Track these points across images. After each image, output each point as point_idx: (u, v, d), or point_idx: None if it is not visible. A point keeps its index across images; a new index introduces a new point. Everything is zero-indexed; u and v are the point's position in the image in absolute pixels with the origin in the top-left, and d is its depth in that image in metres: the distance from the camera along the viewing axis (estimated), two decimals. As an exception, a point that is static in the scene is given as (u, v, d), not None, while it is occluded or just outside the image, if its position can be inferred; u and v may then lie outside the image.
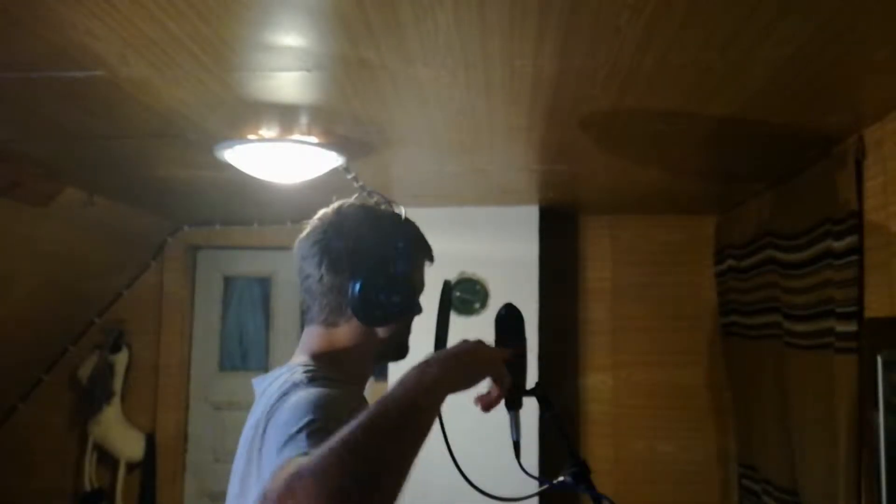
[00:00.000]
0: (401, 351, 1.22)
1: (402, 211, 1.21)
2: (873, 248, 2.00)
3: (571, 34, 1.42)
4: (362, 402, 1.13)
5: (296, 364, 1.12)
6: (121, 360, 3.71)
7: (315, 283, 1.15)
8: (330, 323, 1.16)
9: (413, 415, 0.84)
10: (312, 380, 1.02)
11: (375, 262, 1.12)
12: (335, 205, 1.21)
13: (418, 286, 1.20)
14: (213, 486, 3.72)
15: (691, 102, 1.83)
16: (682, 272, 3.61)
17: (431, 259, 1.25)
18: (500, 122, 2.03)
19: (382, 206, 1.23)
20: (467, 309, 3.31)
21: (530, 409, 1.17)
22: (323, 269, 1.14)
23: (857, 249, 2.04)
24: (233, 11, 1.32)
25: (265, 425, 0.96)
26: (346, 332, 1.15)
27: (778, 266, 2.63)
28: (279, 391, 1.00)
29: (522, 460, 1.14)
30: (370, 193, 2.98)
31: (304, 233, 1.19)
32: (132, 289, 3.82)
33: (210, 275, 3.98)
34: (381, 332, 1.16)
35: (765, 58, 1.52)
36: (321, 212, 1.20)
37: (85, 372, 3.66)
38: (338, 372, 1.12)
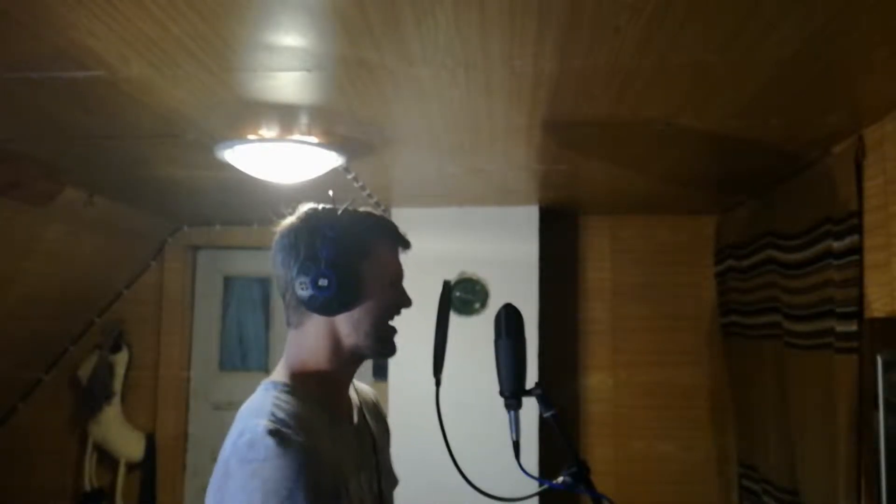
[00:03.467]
0: (383, 347, 1.20)
1: (344, 204, 1.20)
2: (873, 248, 2.00)
3: (571, 34, 1.42)
4: (332, 422, 1.14)
5: (271, 388, 1.12)
6: (121, 360, 3.71)
7: (279, 285, 1.18)
8: (299, 324, 1.17)
9: None
10: (271, 433, 1.01)
11: (308, 251, 1.13)
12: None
13: (375, 273, 1.17)
14: (213, 486, 3.72)
15: (691, 102, 1.83)
16: (682, 272, 3.61)
17: (403, 245, 1.23)
18: (500, 122, 2.03)
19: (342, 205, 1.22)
20: (467, 309, 3.31)
21: (530, 409, 1.17)
22: (277, 270, 1.17)
23: (857, 249, 2.04)
24: (233, 11, 1.32)
25: (220, 493, 1.00)
26: (311, 331, 1.16)
27: (778, 266, 2.63)
28: (233, 448, 1.01)
29: (522, 460, 1.14)
30: (369, 195, 2.98)
31: None
32: (132, 289, 3.82)
33: (210, 275, 3.98)
34: (344, 327, 1.16)
35: (765, 58, 1.52)
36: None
37: (85, 372, 3.66)
38: (313, 388, 1.13)
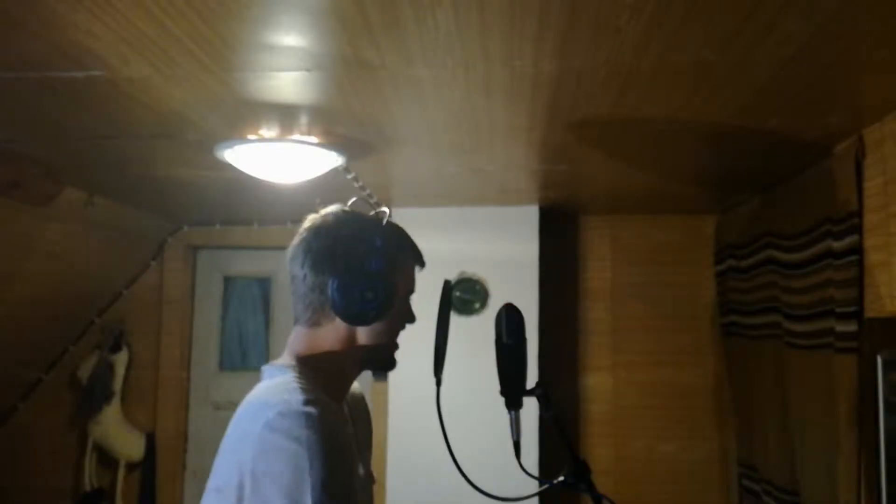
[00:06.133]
0: (386, 362, 1.22)
1: (386, 213, 1.22)
2: (873, 248, 2.00)
3: (571, 34, 1.42)
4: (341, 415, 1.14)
5: (284, 371, 1.13)
6: (121, 360, 3.71)
7: (300, 283, 1.18)
8: (314, 323, 1.18)
9: None
10: (306, 403, 1.02)
11: (353, 260, 1.14)
12: (323, 209, 1.23)
13: (401, 288, 1.19)
14: (213, 486, 3.72)
15: (691, 102, 1.83)
16: (682, 272, 3.61)
17: (421, 263, 1.25)
18: (500, 122, 2.03)
19: (375, 211, 1.24)
20: (467, 309, 3.31)
21: (530, 409, 1.17)
22: (306, 269, 1.17)
23: (857, 249, 2.04)
24: (233, 11, 1.32)
25: (252, 465, 0.99)
26: (328, 333, 1.17)
27: (778, 266, 2.63)
28: (264, 421, 1.01)
29: (522, 460, 1.14)
30: (370, 195, 2.99)
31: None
32: (132, 289, 3.82)
33: (210, 275, 3.98)
34: (363, 336, 1.17)
35: (765, 58, 1.52)
36: (310, 216, 1.22)
37: (85, 372, 3.66)
38: (319, 380, 1.14)
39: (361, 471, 1.21)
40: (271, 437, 0.99)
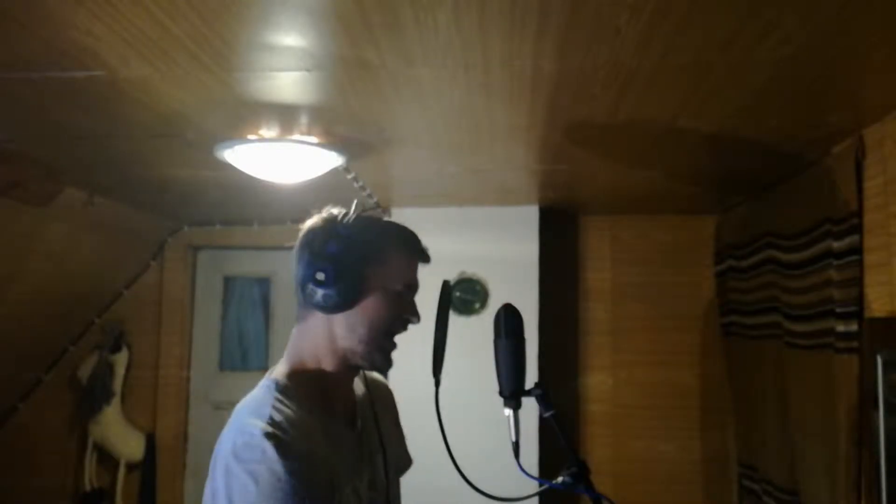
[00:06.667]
0: (377, 358, 1.18)
1: (374, 207, 1.23)
2: (873, 248, 2.00)
3: (571, 34, 1.42)
4: (323, 429, 1.14)
5: (269, 385, 1.13)
6: (121, 360, 3.71)
7: (293, 281, 1.21)
8: (302, 319, 1.20)
9: None
10: (267, 436, 1.02)
11: (317, 248, 1.15)
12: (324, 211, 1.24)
13: (379, 279, 1.16)
14: (213, 486, 3.72)
15: (691, 102, 1.83)
16: (682, 272, 3.61)
17: (421, 258, 1.22)
18: (500, 122, 2.03)
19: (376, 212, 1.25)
20: (467, 309, 3.31)
21: (530, 409, 1.17)
22: (293, 265, 1.20)
23: (858, 249, 2.04)
24: (233, 11, 1.32)
25: (212, 483, 1.05)
26: (312, 327, 1.18)
27: (778, 266, 2.63)
28: (231, 446, 1.03)
29: (522, 460, 1.14)
30: (370, 195, 2.99)
31: None
32: (132, 289, 3.83)
33: (210, 275, 3.98)
34: (339, 328, 1.16)
35: (765, 58, 1.52)
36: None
37: (85, 372, 3.66)
38: (310, 390, 1.15)
39: (362, 485, 1.19)
40: (234, 465, 1.02)
